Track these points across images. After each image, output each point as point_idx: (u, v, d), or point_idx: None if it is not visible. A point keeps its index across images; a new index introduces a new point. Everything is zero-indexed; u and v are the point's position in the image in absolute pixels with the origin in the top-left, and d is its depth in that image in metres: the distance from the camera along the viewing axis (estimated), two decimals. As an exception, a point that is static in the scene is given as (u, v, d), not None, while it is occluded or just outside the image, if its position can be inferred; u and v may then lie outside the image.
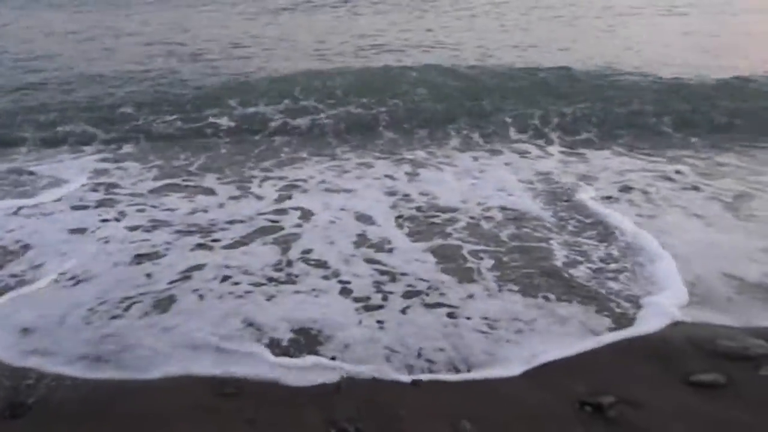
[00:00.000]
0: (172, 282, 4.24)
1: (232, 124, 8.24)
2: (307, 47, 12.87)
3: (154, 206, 5.65)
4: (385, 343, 3.53)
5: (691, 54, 11.59)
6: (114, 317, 3.81)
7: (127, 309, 3.90)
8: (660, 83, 9.05)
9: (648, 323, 3.68)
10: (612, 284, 4.16)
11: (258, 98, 8.86)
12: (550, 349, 3.44)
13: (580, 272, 4.33)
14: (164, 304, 3.96)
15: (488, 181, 6.25)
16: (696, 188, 5.87)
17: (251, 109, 8.60)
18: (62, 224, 5.25)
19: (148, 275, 4.35)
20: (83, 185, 6.21)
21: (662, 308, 3.80)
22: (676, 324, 3.64)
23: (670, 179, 6.16)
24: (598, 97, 8.46)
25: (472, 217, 5.29)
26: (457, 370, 3.30)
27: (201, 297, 4.05)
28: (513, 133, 7.79)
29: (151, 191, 6.08)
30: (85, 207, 5.66)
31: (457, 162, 6.93)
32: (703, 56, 11.34)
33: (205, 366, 3.33)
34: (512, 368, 3.30)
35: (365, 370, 3.28)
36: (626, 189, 5.92)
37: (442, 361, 3.36)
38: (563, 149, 7.36)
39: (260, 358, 3.38)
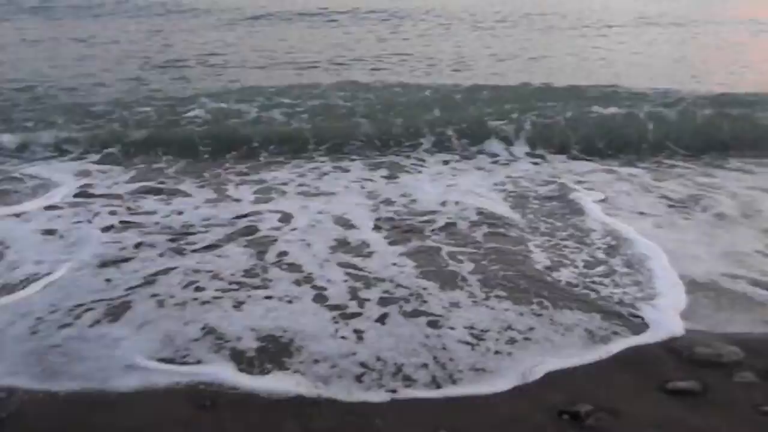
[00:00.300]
0: (131, 288, 3.99)
1: (209, 116, 8.20)
2: (283, 56, 12.84)
3: (129, 209, 5.47)
4: (360, 358, 3.23)
5: (658, 64, 12.13)
6: (63, 326, 3.55)
7: (78, 317, 3.64)
8: (625, 92, 9.37)
9: (654, 333, 3.48)
10: (607, 288, 3.98)
11: (232, 98, 8.87)
12: (547, 361, 3.19)
13: (569, 277, 4.15)
14: (117, 311, 3.71)
15: (462, 184, 6.18)
16: (648, 190, 5.97)
17: (223, 105, 8.59)
18: (35, 226, 5.06)
19: (108, 280, 4.11)
20: (60, 188, 5.99)
21: (666, 316, 3.63)
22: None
23: (625, 181, 6.27)
24: (565, 104, 8.64)
25: (449, 219, 5.19)
26: (440, 387, 3.04)
27: (160, 303, 3.80)
28: (485, 138, 7.72)
29: (129, 194, 5.89)
30: (59, 208, 5.46)
31: (432, 165, 6.90)
32: (668, 67, 11.86)
33: (161, 378, 3.08)
34: (503, 384, 3.04)
35: (334, 392, 2.98)
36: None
37: (422, 380, 3.08)
38: (530, 151, 7.41)
39: (212, 373, 3.12)
